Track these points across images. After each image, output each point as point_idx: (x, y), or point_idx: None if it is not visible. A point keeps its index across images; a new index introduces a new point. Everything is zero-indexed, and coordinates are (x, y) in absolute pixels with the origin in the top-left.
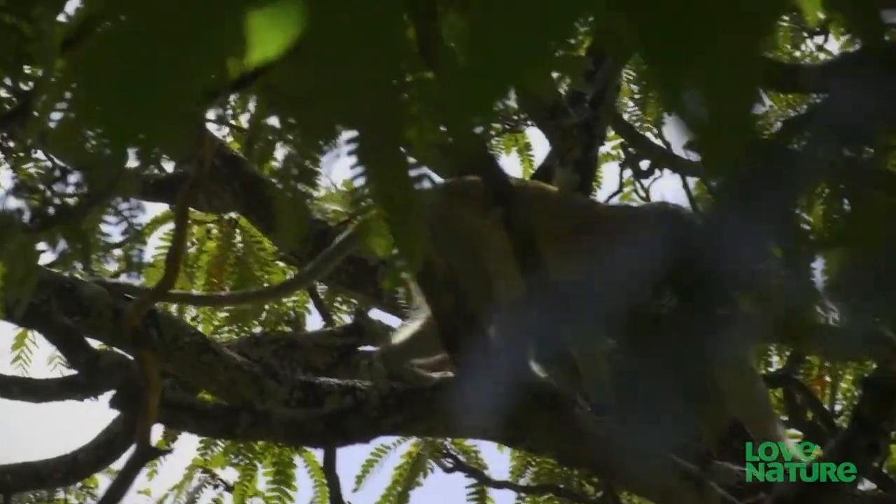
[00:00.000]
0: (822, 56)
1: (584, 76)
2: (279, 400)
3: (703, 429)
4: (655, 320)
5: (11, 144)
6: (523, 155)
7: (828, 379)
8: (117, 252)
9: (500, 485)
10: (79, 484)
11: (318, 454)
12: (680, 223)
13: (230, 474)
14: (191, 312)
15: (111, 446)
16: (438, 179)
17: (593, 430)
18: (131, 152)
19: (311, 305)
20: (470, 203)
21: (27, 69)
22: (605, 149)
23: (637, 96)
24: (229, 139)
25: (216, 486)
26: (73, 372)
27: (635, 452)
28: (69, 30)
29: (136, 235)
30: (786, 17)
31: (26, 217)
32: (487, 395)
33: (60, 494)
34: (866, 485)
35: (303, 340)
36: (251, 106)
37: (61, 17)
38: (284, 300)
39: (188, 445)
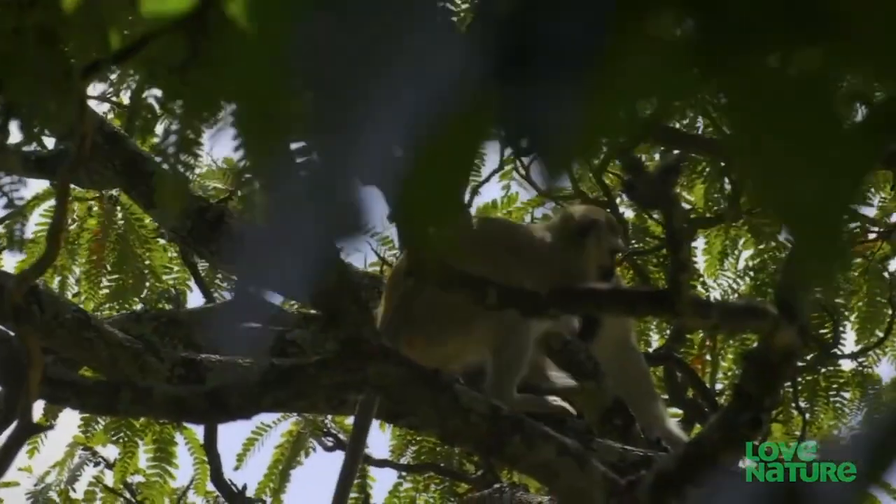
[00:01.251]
0: None
1: None
2: (161, 377)
3: (585, 406)
4: None
5: None
6: None
7: (708, 357)
8: None
9: (380, 463)
10: None
11: (199, 432)
12: None
13: (111, 452)
14: (72, 289)
15: None
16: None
17: (476, 408)
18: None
19: (191, 283)
20: None
21: None
22: None
23: None
24: (110, 116)
25: (97, 464)
26: None
27: (517, 429)
28: None
29: (18, 211)
30: None
31: None
32: (369, 371)
33: None
34: (748, 462)
35: (184, 317)
36: (132, 80)
37: None
38: (164, 277)
39: (70, 424)
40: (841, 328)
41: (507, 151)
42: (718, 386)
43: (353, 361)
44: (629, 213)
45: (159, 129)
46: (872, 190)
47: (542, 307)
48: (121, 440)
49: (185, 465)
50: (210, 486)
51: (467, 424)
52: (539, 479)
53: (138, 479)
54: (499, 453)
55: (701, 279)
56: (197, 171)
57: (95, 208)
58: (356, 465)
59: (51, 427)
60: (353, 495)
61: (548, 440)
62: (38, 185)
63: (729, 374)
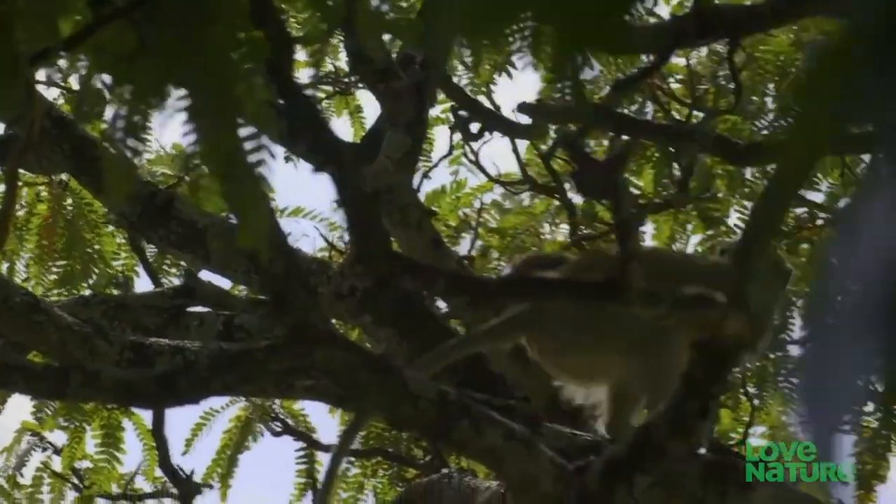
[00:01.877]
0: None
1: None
2: (110, 360)
3: (533, 390)
4: None
5: None
6: (354, 117)
7: None
8: None
9: (329, 448)
10: None
11: (147, 417)
12: None
13: (59, 437)
14: (21, 274)
15: None
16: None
17: (425, 393)
18: None
19: (139, 268)
20: None
21: None
22: (435, 112)
23: (468, 59)
24: (59, 101)
25: (45, 449)
26: None
27: (464, 414)
28: None
29: None
30: None
31: None
32: (317, 356)
33: None
34: (701, 449)
35: (132, 301)
36: (81, 66)
37: None
38: (113, 262)
39: (18, 409)
40: (788, 314)
41: (457, 136)
42: None
43: (301, 346)
44: (578, 199)
45: (108, 113)
46: (820, 175)
47: (492, 295)
48: (69, 425)
49: (133, 451)
50: (159, 472)
51: (416, 410)
52: (486, 465)
53: (86, 464)
54: (447, 438)
55: None
56: (146, 156)
57: (45, 193)
58: (339, 462)
59: None
60: (300, 480)
61: (495, 425)
62: None
63: None
